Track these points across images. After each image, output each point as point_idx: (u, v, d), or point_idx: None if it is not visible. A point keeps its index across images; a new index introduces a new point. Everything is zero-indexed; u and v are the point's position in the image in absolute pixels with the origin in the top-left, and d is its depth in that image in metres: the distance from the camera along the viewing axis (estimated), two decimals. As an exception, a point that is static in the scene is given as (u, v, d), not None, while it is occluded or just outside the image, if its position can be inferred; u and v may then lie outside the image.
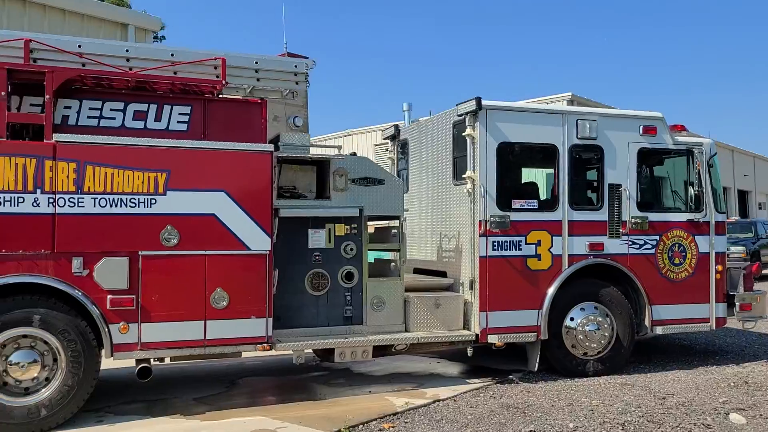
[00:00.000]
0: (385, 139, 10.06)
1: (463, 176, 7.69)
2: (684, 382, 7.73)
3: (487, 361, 8.60)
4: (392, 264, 7.77)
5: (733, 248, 22.41)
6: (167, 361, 6.88)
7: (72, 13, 12.99)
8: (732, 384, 7.57)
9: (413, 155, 9.32)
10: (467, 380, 7.82)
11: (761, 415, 6.34)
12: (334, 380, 7.97)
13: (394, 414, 6.39)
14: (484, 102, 7.60)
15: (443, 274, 8.32)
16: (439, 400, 6.89)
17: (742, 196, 49.41)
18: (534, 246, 7.80)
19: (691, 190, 8.46)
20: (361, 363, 8.70)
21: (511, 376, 7.93)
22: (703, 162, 8.56)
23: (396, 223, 7.70)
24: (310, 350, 7.46)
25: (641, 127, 8.29)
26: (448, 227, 8.25)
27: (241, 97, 6.94)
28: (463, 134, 7.70)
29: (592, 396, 7.08)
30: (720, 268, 8.61)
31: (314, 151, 7.59)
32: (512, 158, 7.94)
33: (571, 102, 28.46)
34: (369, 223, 7.65)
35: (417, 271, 9.08)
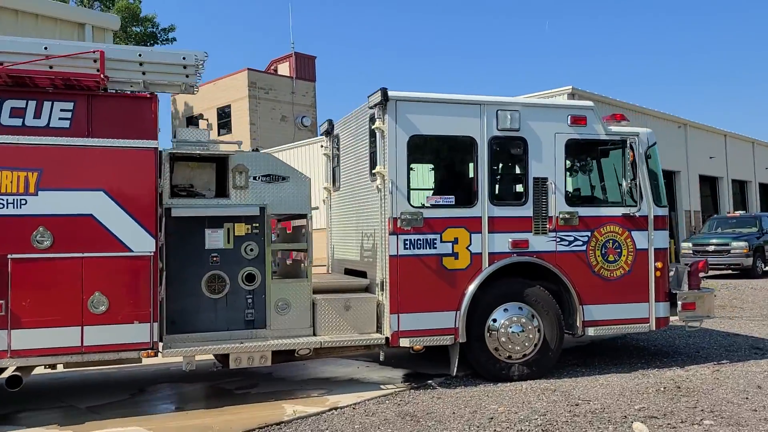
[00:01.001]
0: (321, 134, 9.73)
1: (373, 171, 7.33)
2: (612, 386, 7.28)
3: (424, 366, 8.24)
4: (302, 264, 7.44)
5: (734, 243, 21.90)
6: (60, 368, 6.64)
7: (25, 14, 12.85)
8: (662, 389, 7.10)
9: (343, 151, 8.99)
10: (383, 385, 7.45)
11: (669, 424, 5.89)
12: (246, 386, 7.66)
13: (278, 424, 6.05)
14: (391, 93, 7.23)
15: (365, 275, 7.97)
16: (336, 408, 6.54)
17: (765, 189, 48.15)
18: (450, 244, 7.40)
19: (626, 183, 7.97)
20: (287, 366, 8.43)
21: (430, 381, 7.55)
22: (639, 153, 8.09)
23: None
24: (211, 356, 7.15)
25: (569, 117, 7.85)
26: (367, 225, 7.90)
27: (129, 93, 6.64)
28: (373, 127, 7.34)
29: (502, 402, 6.68)
30: (660, 265, 8.12)
31: (224, 148, 7.31)
32: (426, 152, 7.58)
33: (572, 96, 27.86)
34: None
35: (347, 271, 8.74)
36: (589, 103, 8.01)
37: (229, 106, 41.86)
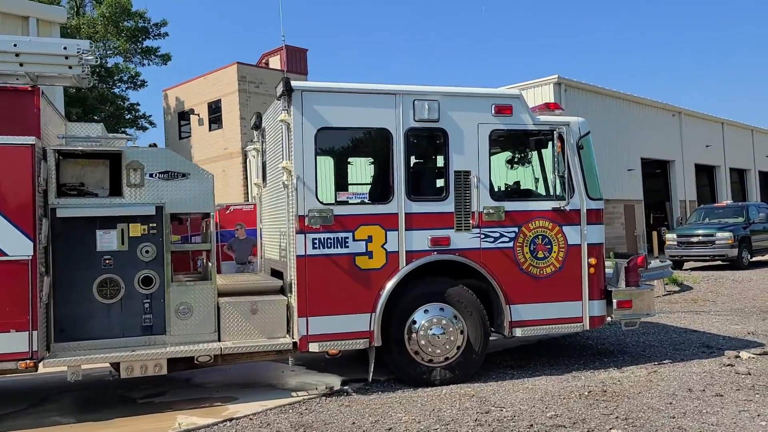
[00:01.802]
0: (251, 129, 9.33)
1: (280, 166, 6.93)
2: (536, 390, 6.87)
3: (357, 371, 7.80)
4: (210, 266, 7.05)
5: (719, 234, 21.36)
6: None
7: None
8: (586, 393, 6.68)
9: (267, 145, 8.58)
10: (296, 393, 7.05)
11: (574, 434, 5.49)
12: (154, 394, 7.29)
13: (159, 437, 5.69)
14: (296, 84, 6.83)
15: (282, 276, 7.58)
16: (231, 419, 6.16)
17: (766, 177, 47.42)
18: (364, 242, 7.00)
19: (555, 176, 7.52)
20: (210, 371, 8.04)
21: (347, 387, 7.17)
22: (570, 143, 7.65)
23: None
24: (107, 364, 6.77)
25: (493, 106, 7.42)
26: (282, 223, 7.50)
27: (8, 85, 6.26)
28: (278, 120, 6.94)
29: (411, 410, 6.28)
30: (594, 261, 7.69)
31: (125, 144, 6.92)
32: (336, 145, 7.18)
33: (558, 85, 27.33)
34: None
35: (273, 272, 8.36)
36: (516, 91, 7.57)
37: (219, 101, 41.46)
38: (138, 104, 48.87)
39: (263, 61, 44.69)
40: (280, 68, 43.31)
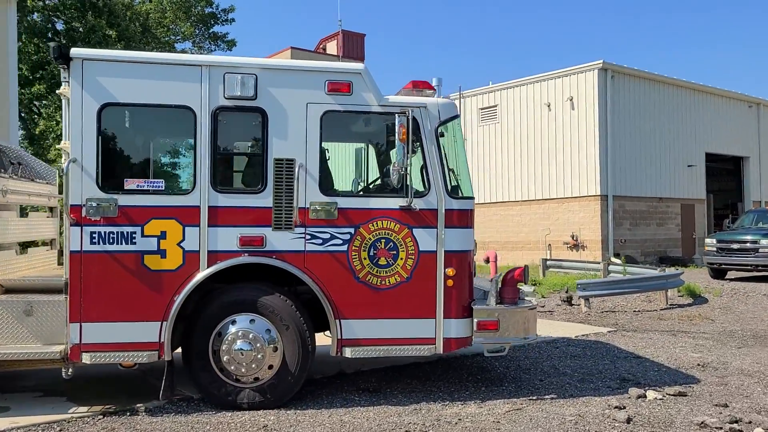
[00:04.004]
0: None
1: (57, 147, 6.01)
2: (342, 426, 5.68)
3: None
4: (-5, 258, 6.26)
5: (764, 241, 18.88)
6: None
7: None
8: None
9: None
10: (76, 409, 6.09)
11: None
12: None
13: None
14: (75, 50, 5.87)
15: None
16: (-45, 438, 5.35)
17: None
18: (156, 239, 6.00)
19: (401, 167, 6.20)
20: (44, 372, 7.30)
21: (140, 405, 6.21)
22: (427, 129, 6.35)
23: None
24: None
25: (327, 83, 6.22)
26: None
27: None
28: (58, 92, 6.02)
29: (165, 443, 5.26)
30: (452, 272, 6.36)
31: None
32: (125, 125, 6.18)
33: (603, 71, 25.15)
34: None
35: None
36: (359, 65, 6.32)
37: (272, 87, 41.25)
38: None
39: (320, 46, 44.22)
40: (336, 54, 42.69)
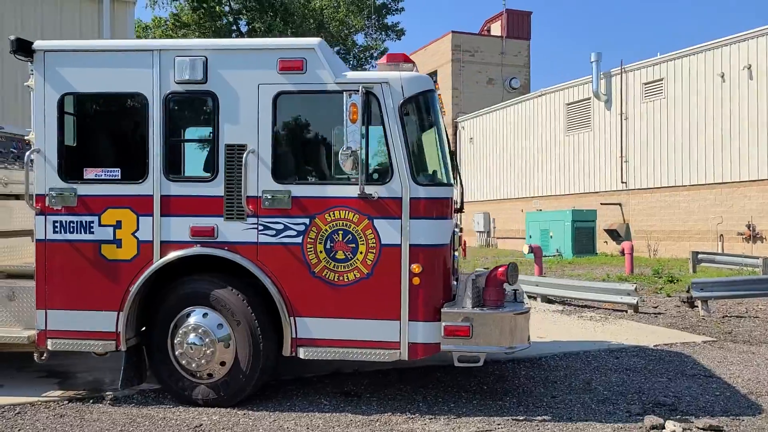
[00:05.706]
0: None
1: (25, 138, 6.19)
2: (283, 431, 5.26)
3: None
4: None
5: None
6: None
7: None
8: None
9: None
10: (50, 393, 6.26)
11: None
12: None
13: None
14: (38, 43, 5.97)
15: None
16: None
17: None
18: (111, 228, 5.96)
19: (367, 151, 5.60)
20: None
21: (109, 393, 6.25)
22: (388, 107, 5.65)
23: None
24: None
25: (279, 61, 5.76)
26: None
27: None
28: (25, 84, 6.17)
29: (84, 435, 5.20)
30: (418, 268, 5.63)
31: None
32: (85, 114, 6.16)
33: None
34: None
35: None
36: (313, 40, 5.75)
37: (435, 72, 40.95)
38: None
39: (485, 28, 43.11)
40: (500, 34, 41.41)
